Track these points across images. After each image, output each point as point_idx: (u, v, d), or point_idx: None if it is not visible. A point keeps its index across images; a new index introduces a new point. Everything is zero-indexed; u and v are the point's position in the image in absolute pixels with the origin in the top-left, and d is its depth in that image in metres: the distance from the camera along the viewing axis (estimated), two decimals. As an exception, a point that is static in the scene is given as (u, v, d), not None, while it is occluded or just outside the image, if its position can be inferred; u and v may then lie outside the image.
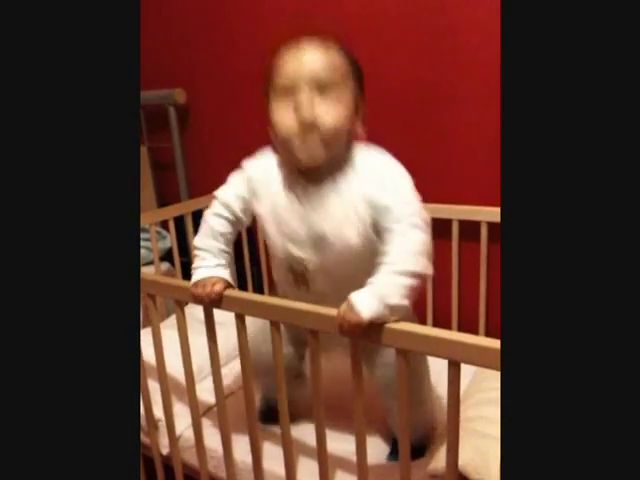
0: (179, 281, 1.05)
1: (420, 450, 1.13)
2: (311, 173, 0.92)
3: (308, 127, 0.84)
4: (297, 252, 0.94)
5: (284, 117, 0.86)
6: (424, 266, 0.84)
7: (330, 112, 0.85)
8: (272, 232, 0.97)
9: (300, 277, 0.97)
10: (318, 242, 0.92)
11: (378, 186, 0.88)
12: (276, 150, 0.98)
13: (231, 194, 1.00)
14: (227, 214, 0.99)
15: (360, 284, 0.81)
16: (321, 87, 0.85)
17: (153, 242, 1.66)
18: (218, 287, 0.92)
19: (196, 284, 0.94)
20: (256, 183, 0.98)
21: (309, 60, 0.85)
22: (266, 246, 1.81)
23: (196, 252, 0.99)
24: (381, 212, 0.88)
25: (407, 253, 0.83)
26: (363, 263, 0.90)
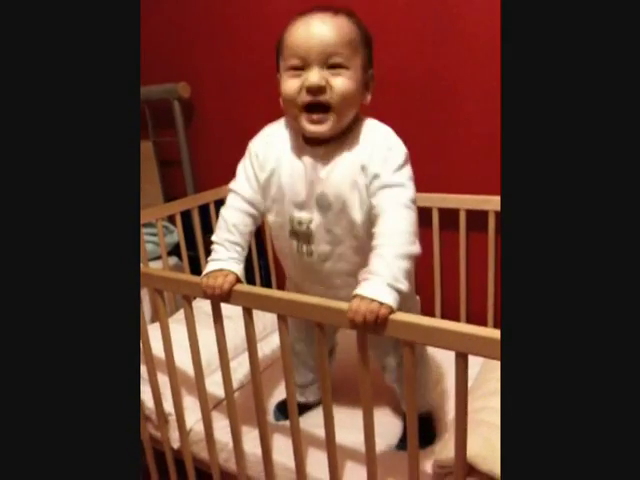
0: (186, 276, 1.05)
1: (429, 436, 1.15)
2: (317, 141, 0.93)
3: (317, 93, 0.85)
4: (299, 213, 0.97)
5: (293, 88, 0.87)
6: (418, 246, 0.85)
7: (339, 85, 0.86)
8: (275, 196, 0.99)
9: (303, 238, 0.98)
10: (321, 203, 0.94)
11: (372, 154, 0.90)
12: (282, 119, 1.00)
13: (241, 180, 1.02)
14: (241, 204, 1.01)
15: (361, 242, 0.88)
16: (331, 62, 0.85)
17: (160, 237, 1.67)
18: (229, 278, 0.93)
19: (207, 275, 0.95)
20: (260, 156, 0.99)
21: (319, 33, 0.85)
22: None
23: (212, 247, 1.01)
24: (371, 179, 0.90)
25: (402, 234, 0.84)
26: (364, 223, 0.93)
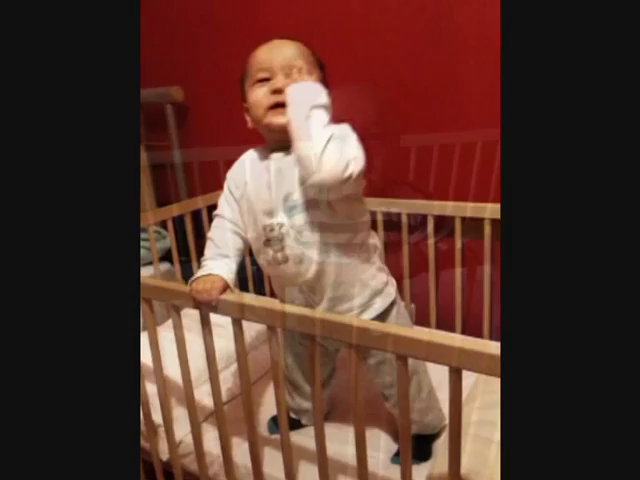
0: (175, 285, 1.03)
1: (424, 453, 1.13)
2: (278, 147, 0.99)
3: (282, 94, 0.92)
4: (270, 220, 0.98)
5: (261, 94, 0.96)
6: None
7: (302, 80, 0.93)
8: (247, 209, 1.03)
9: (276, 244, 0.99)
10: (287, 204, 0.97)
11: None
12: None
13: (222, 204, 1.08)
14: (225, 223, 1.05)
15: (332, 238, 0.95)
16: (294, 72, 0.93)
17: (152, 242, 1.65)
18: (217, 284, 0.93)
19: (196, 281, 0.95)
20: (235, 177, 1.07)
21: (281, 49, 0.97)
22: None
23: (201, 266, 1.02)
24: None
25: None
26: (330, 219, 0.97)
